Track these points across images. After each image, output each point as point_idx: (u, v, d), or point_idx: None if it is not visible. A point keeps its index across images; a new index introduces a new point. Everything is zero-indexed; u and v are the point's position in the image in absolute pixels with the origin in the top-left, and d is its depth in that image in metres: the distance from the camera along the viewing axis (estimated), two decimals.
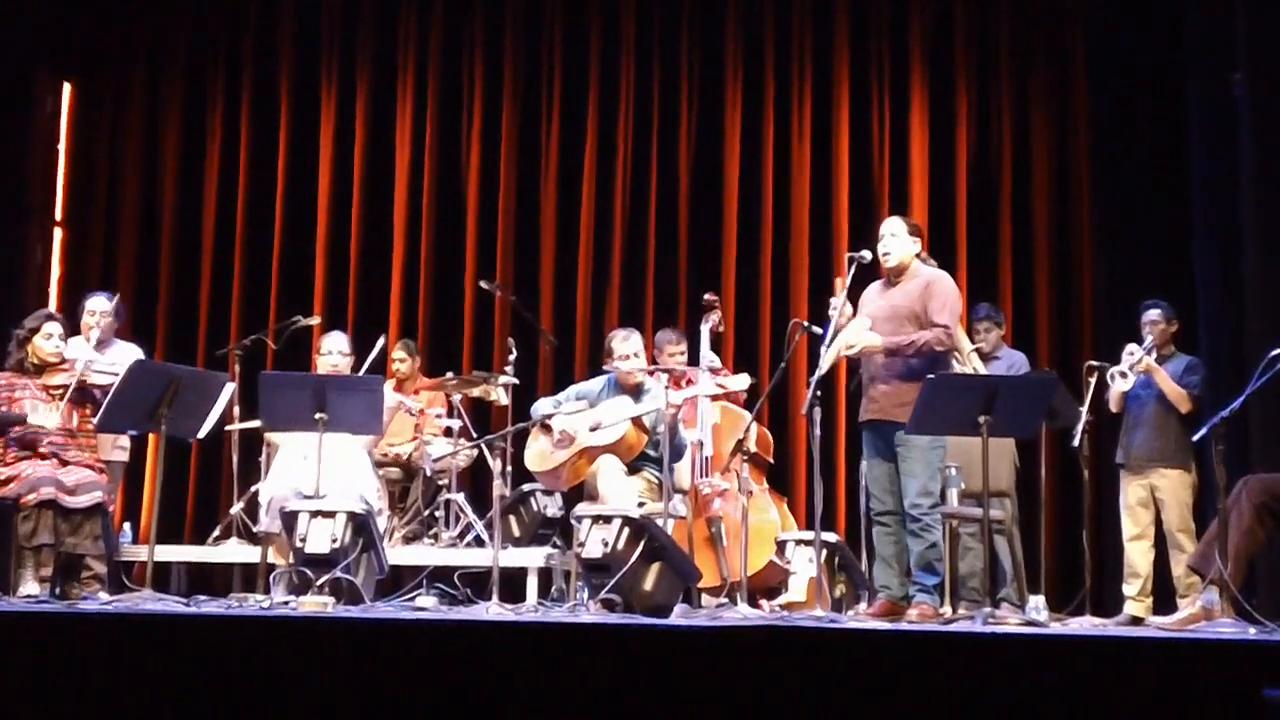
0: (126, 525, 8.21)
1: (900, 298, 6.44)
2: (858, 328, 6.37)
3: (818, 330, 6.51)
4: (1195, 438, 6.58)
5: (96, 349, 7.18)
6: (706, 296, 7.62)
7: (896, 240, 6.49)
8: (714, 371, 7.36)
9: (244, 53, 9.90)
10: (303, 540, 6.23)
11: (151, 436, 8.02)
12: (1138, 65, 8.59)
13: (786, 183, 9.31)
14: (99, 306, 7.45)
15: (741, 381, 7.28)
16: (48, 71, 9.66)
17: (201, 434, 6.84)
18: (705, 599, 6.98)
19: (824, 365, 6.32)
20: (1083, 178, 9.04)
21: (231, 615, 5.64)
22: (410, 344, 8.60)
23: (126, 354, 7.33)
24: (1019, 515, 7.65)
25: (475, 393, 8.09)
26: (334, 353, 7.42)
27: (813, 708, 4.45)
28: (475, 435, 7.96)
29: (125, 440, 7.65)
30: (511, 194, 9.55)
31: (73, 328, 7.33)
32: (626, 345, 7.34)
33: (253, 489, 7.76)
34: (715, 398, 7.39)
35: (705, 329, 7.51)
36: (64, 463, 6.71)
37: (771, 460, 7.79)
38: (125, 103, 9.93)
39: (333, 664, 4.69)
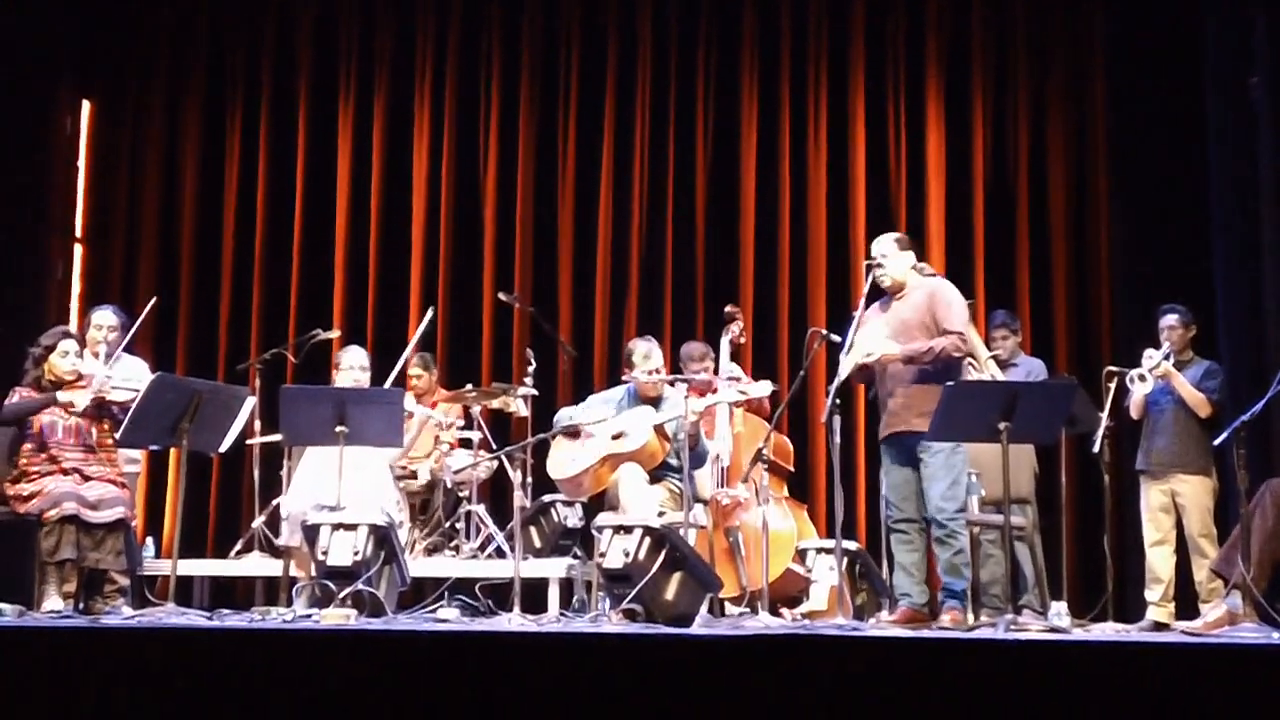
0: (149, 540, 8.23)
1: (907, 311, 6.45)
2: (875, 335, 6.38)
3: (836, 338, 6.51)
4: (1216, 442, 6.58)
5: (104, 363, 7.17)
6: (728, 309, 7.66)
7: (889, 260, 6.52)
8: (733, 380, 7.39)
9: (262, 68, 9.93)
10: (325, 553, 6.24)
11: (173, 451, 8.04)
12: (1156, 70, 8.57)
13: (803, 191, 9.31)
14: (107, 321, 7.36)
15: (763, 388, 7.29)
16: (67, 89, 9.71)
17: (223, 448, 6.85)
18: (729, 608, 6.98)
19: (842, 372, 6.33)
20: (1100, 183, 9.02)
21: (254, 629, 5.65)
22: (427, 357, 8.59)
23: (133, 368, 7.34)
24: (1040, 522, 7.64)
25: (494, 404, 8.09)
26: (354, 368, 7.43)
27: (835, 716, 4.44)
28: (495, 447, 7.97)
29: (137, 453, 7.65)
30: (529, 205, 9.57)
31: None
32: (648, 360, 7.36)
33: (274, 502, 7.79)
34: (737, 404, 7.41)
35: (726, 340, 7.54)
36: (86, 478, 6.74)
37: (791, 469, 7.79)
38: (145, 119, 9.97)
39: (355, 676, 4.70)
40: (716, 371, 7.59)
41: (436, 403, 8.29)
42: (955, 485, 6.31)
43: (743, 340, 7.72)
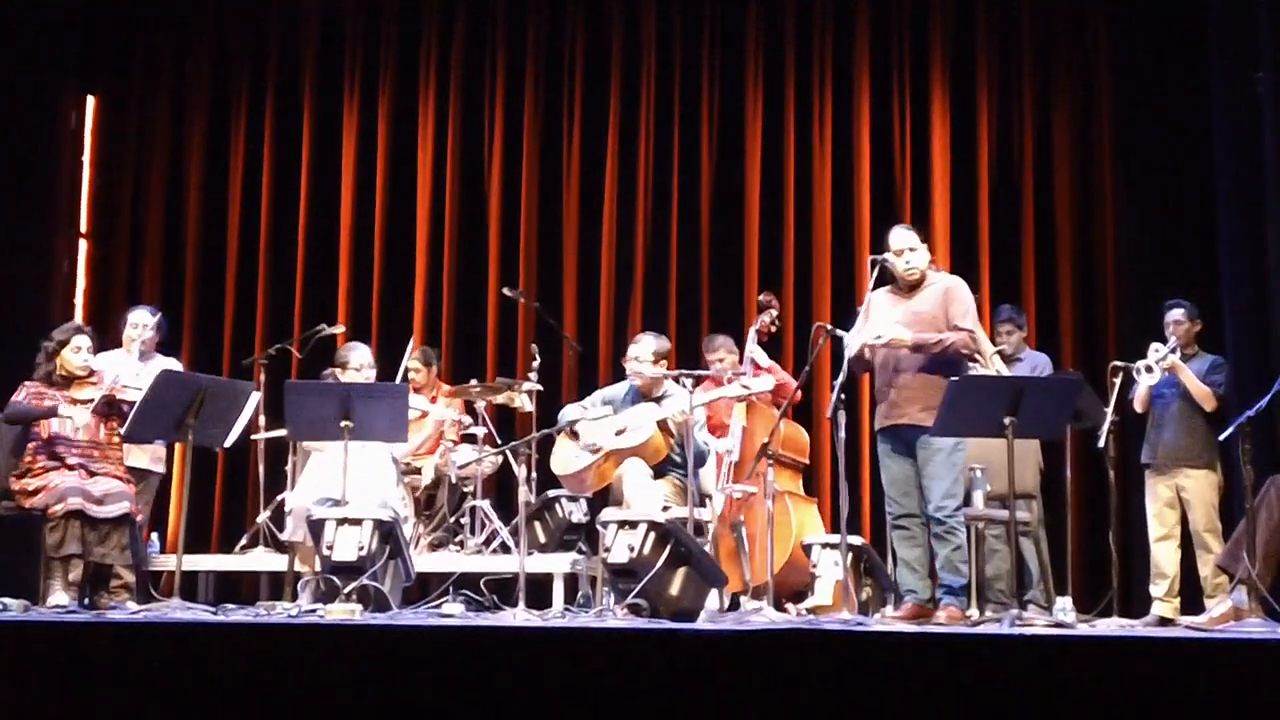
0: (154, 535, 8.24)
1: (923, 304, 6.44)
2: (888, 320, 6.37)
3: (841, 333, 6.50)
4: (1222, 437, 6.57)
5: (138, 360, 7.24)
6: (761, 296, 7.72)
7: (917, 254, 6.52)
8: (756, 368, 7.39)
9: (267, 64, 9.94)
10: (330, 548, 6.24)
11: (178, 446, 8.06)
12: (1161, 65, 8.57)
13: (808, 187, 9.31)
14: (142, 320, 7.65)
15: (764, 383, 7.28)
16: (72, 84, 9.72)
17: (228, 443, 6.87)
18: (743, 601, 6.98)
19: (851, 349, 6.30)
20: (1105, 178, 9.01)
21: (259, 623, 5.66)
22: (428, 352, 8.58)
23: (164, 367, 7.36)
24: (1045, 517, 7.63)
25: (499, 399, 8.09)
26: (364, 367, 7.40)
27: (840, 711, 4.44)
28: (500, 442, 7.97)
29: (162, 451, 7.70)
30: (534, 201, 9.57)
31: (102, 340, 7.38)
32: (637, 350, 7.41)
33: (279, 497, 7.80)
34: (740, 399, 7.40)
35: (754, 329, 7.55)
36: (91, 474, 6.75)
37: (806, 461, 7.75)
38: (149, 114, 9.98)
39: (360, 671, 4.71)
40: (741, 360, 7.61)
41: (436, 398, 8.29)
42: (955, 483, 6.34)
43: (774, 328, 7.71)
